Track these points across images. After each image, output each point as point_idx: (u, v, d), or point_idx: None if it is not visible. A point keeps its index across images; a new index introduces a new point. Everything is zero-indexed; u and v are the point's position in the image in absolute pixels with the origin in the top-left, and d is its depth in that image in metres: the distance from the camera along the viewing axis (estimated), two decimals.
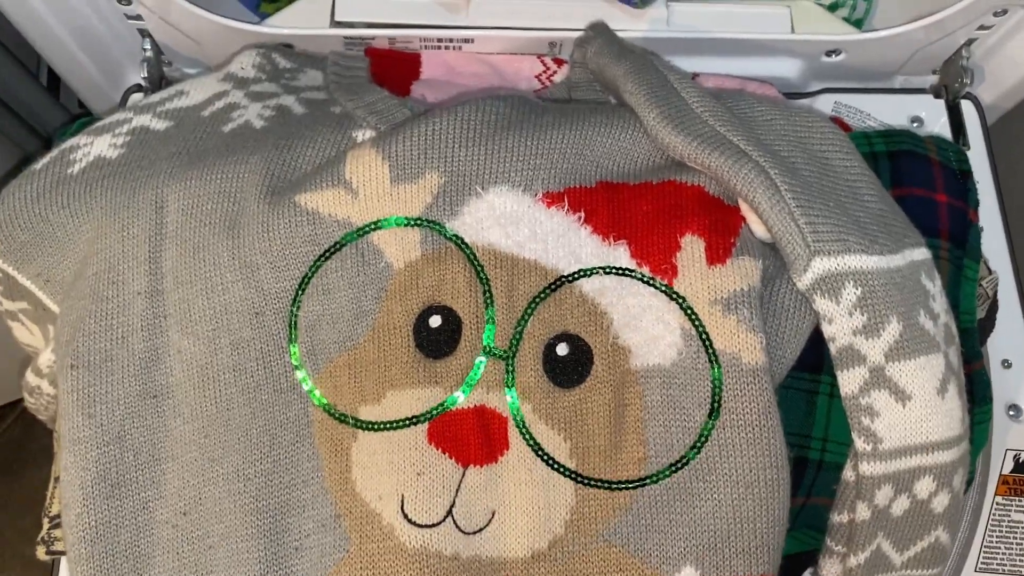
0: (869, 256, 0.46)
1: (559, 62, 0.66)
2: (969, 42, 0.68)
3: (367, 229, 0.48)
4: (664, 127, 0.49)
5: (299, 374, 0.47)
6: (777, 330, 0.48)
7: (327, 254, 0.48)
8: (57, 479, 0.58)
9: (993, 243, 0.64)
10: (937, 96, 0.71)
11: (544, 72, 0.66)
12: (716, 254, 0.47)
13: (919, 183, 0.54)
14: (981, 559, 0.59)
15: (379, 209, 0.48)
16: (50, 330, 0.55)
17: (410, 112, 0.53)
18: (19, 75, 0.71)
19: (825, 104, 0.70)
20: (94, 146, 0.54)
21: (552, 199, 0.48)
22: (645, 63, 0.53)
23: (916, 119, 0.70)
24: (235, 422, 0.48)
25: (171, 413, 0.49)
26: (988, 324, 0.59)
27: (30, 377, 0.56)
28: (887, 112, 0.70)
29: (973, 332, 0.53)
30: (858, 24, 0.71)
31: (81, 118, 0.61)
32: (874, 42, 0.66)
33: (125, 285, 0.50)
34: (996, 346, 0.62)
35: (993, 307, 0.58)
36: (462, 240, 0.47)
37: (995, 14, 0.65)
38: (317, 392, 0.47)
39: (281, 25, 0.65)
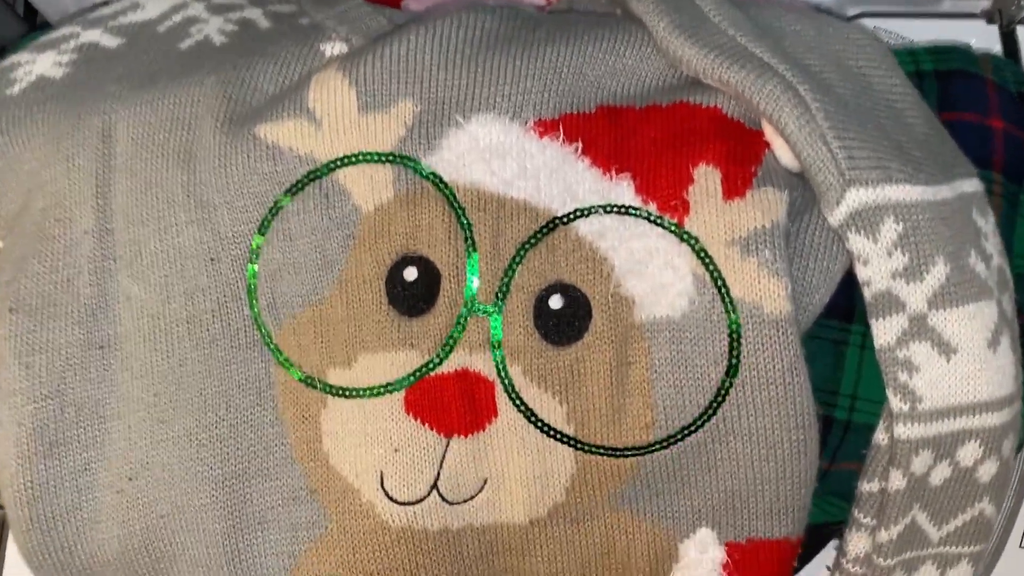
0: (913, 186, 0.40)
1: None
2: None
3: (331, 166, 0.42)
4: (676, 37, 0.42)
5: (259, 330, 0.43)
6: (804, 273, 0.41)
7: (288, 193, 0.42)
8: None
9: None
10: (990, 21, 0.63)
11: None
12: (734, 186, 0.40)
13: (971, 107, 0.47)
14: None
15: (345, 143, 0.42)
16: None
17: (387, 22, 0.47)
18: None
19: None
20: (37, 64, 0.48)
21: (545, 127, 0.42)
22: None
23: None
24: (188, 380, 0.43)
25: (118, 366, 0.44)
26: None
27: None
28: (932, 38, 0.63)
29: None
30: None
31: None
32: None
33: (72, 223, 0.44)
34: None
35: None
36: (440, 179, 0.42)
37: None
38: (279, 349, 0.42)
39: None
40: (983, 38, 0.63)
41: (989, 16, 0.64)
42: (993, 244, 0.42)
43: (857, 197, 0.39)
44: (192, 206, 0.43)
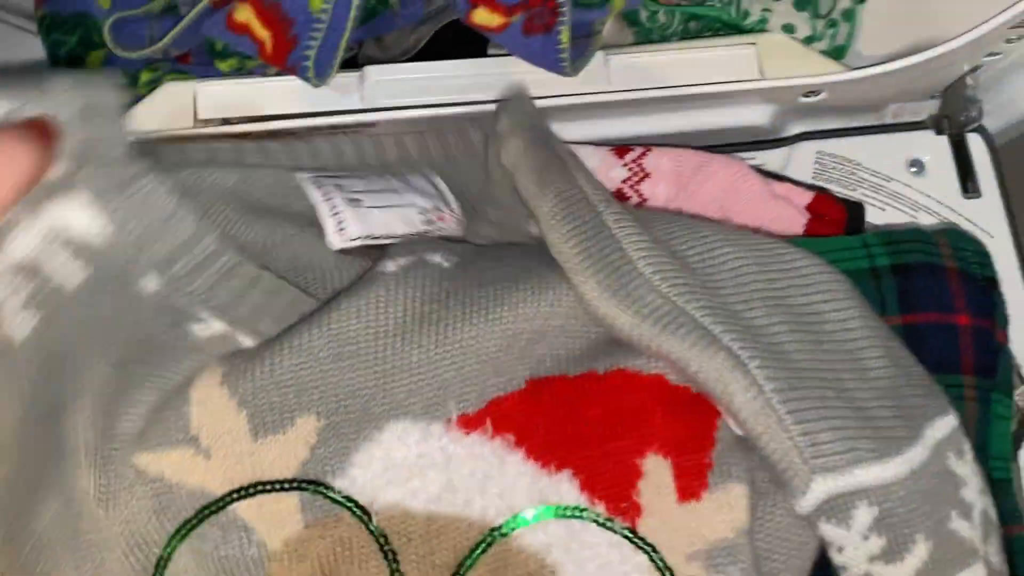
0: (884, 465, 0.35)
1: None
2: (975, 69, 0.56)
3: (226, 501, 0.37)
4: (606, 300, 0.37)
5: None
6: (771, 565, 0.37)
7: (180, 535, 0.37)
8: None
9: (1015, 312, 0.53)
10: (939, 132, 0.59)
11: None
12: (688, 485, 0.36)
13: (935, 305, 0.43)
14: None
15: (240, 472, 0.36)
16: None
17: (268, 273, 0.40)
18: None
19: (806, 155, 0.59)
20: None
21: (470, 423, 0.37)
22: (572, 193, 0.41)
23: (915, 163, 0.59)
24: None
25: None
26: (1021, 435, 0.49)
27: None
28: (879, 157, 0.59)
29: (1009, 485, 0.43)
30: (839, 52, 0.59)
31: None
32: (861, 81, 0.54)
33: None
34: None
35: None
36: (356, 503, 0.36)
37: (1007, 40, 0.53)
38: None
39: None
40: (933, 150, 0.59)
41: (937, 125, 0.60)
42: (974, 487, 0.38)
43: (825, 487, 0.35)
44: (71, 547, 0.37)
